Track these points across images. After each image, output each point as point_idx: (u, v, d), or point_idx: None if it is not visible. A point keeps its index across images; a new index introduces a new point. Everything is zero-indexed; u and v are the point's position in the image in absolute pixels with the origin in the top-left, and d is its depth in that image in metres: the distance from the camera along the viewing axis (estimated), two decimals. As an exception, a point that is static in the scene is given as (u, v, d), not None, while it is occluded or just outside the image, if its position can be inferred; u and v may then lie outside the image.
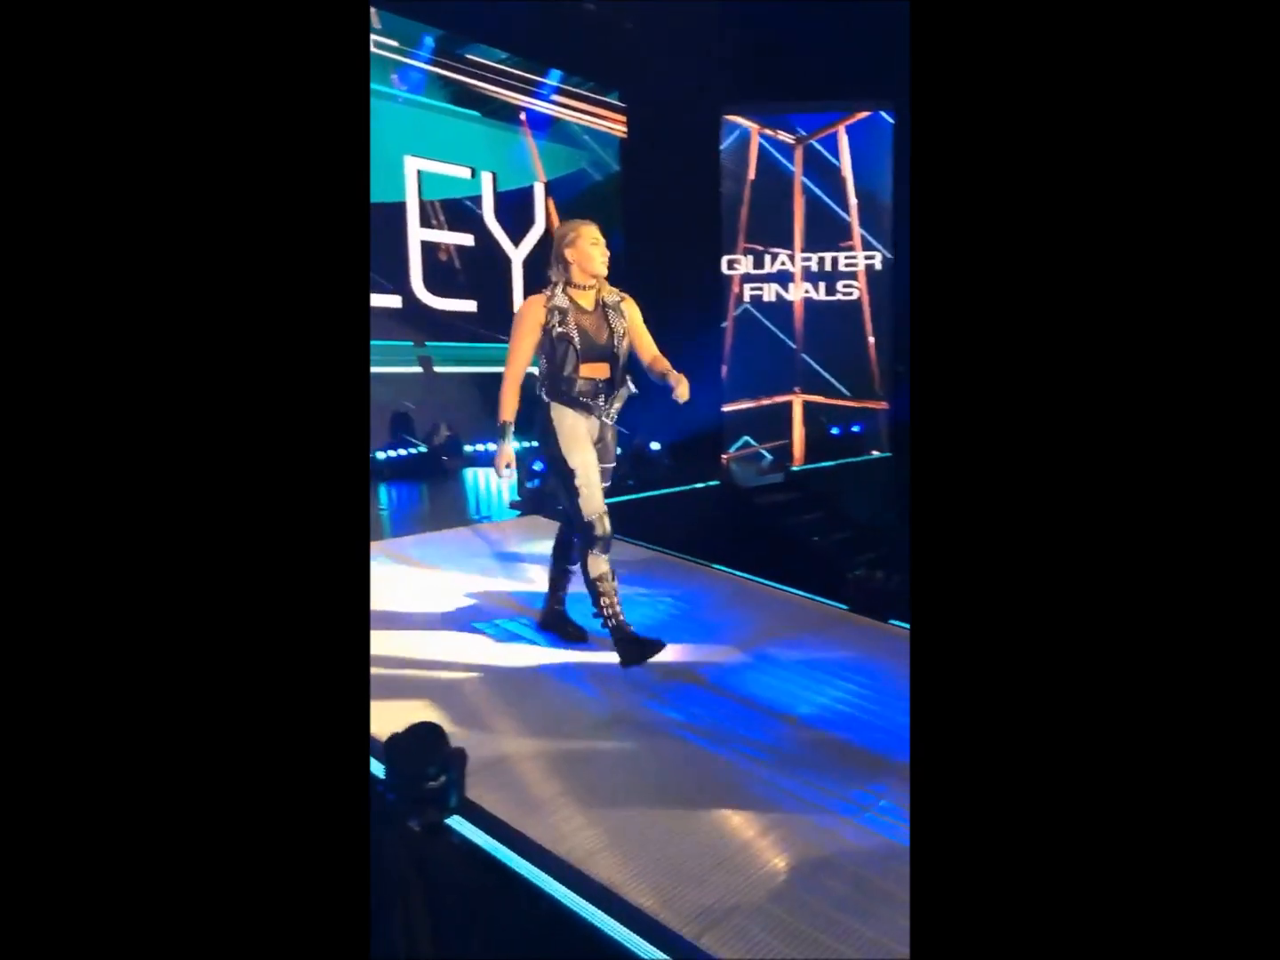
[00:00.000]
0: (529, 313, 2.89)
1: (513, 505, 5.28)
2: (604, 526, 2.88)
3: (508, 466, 2.88)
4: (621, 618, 2.96)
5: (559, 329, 2.84)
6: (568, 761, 2.43)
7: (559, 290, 2.88)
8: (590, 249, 2.87)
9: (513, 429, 2.91)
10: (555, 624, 3.22)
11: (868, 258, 8.36)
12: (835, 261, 8.38)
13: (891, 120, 8.16)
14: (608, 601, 2.95)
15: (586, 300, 2.91)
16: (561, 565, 3.22)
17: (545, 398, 2.91)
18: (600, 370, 2.90)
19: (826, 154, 8.28)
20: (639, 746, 2.54)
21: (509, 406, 2.89)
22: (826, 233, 8.30)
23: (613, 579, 2.97)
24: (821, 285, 8.38)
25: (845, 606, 3.76)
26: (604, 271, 2.91)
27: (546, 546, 3.33)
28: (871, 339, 8.44)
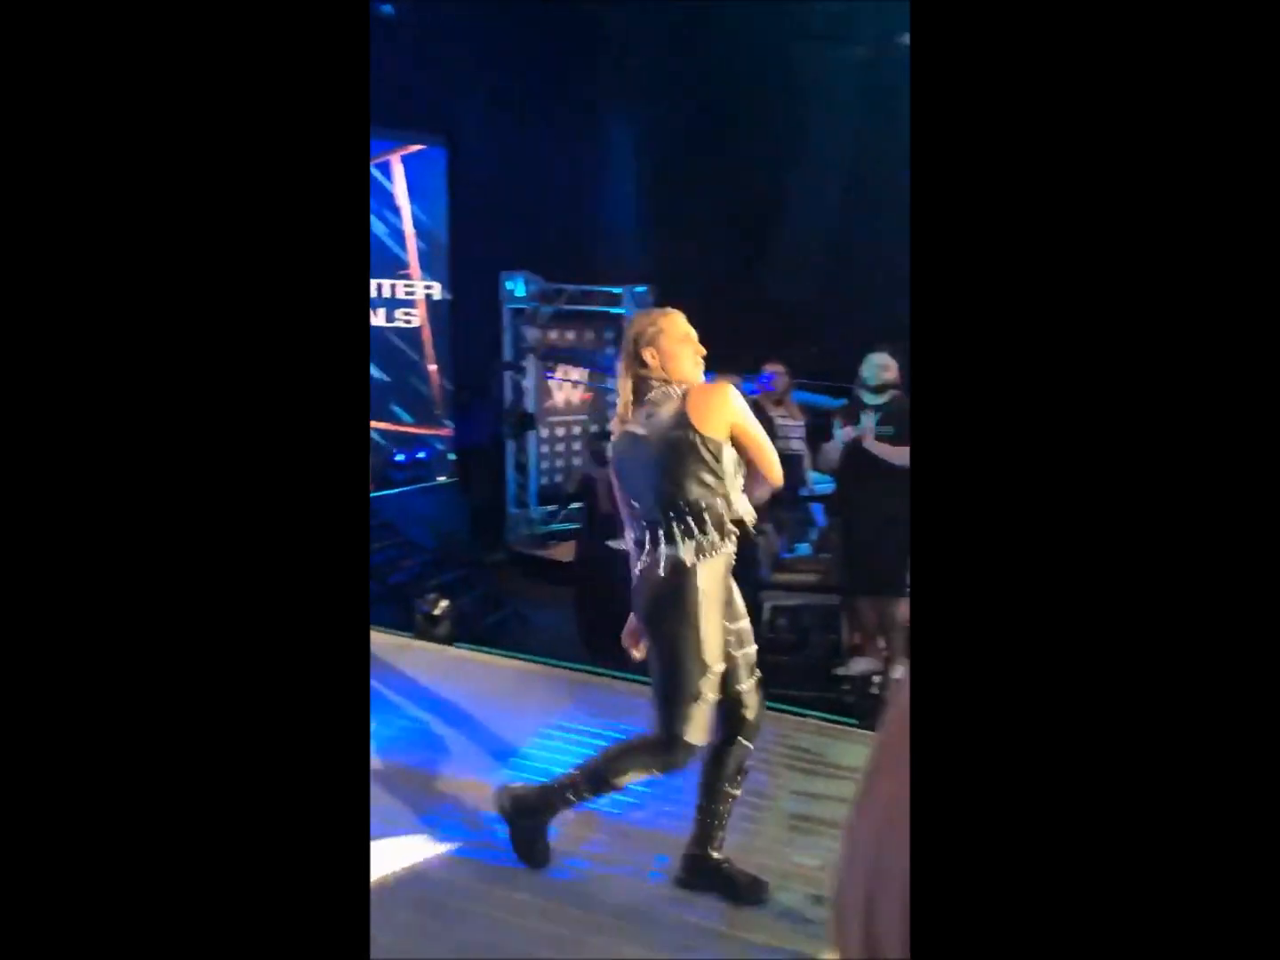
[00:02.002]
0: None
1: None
2: (687, 756, 2.10)
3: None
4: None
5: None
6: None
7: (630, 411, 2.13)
8: (678, 347, 2.11)
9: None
10: (705, 872, 2.27)
11: (426, 287, 8.66)
12: (395, 289, 8.54)
13: (445, 154, 8.54)
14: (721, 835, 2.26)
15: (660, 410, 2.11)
16: (714, 795, 2.25)
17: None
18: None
19: (383, 180, 8.40)
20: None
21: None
22: (385, 260, 8.42)
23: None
24: (381, 311, 8.49)
25: (410, 635, 3.96)
26: (698, 378, 2.14)
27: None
28: (433, 366, 8.75)
